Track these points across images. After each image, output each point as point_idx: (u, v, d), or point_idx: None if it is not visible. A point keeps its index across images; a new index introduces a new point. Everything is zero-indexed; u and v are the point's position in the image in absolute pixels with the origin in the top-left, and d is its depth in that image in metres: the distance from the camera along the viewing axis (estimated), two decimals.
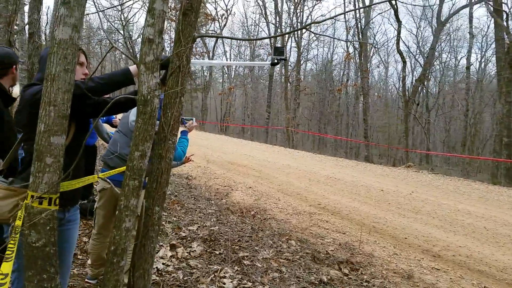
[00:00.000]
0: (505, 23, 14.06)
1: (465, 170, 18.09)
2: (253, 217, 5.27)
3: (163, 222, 4.37)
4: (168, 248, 3.63)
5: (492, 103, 23.84)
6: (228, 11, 25.67)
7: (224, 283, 3.03)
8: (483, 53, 27.59)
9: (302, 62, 28.68)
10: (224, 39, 31.31)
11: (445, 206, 6.85)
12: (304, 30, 24.94)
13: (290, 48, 26.89)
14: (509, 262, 4.29)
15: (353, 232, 5.01)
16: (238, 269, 3.37)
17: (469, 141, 22.86)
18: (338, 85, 29.26)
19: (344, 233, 4.96)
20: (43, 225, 1.46)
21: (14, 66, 2.21)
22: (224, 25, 27.80)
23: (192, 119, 3.03)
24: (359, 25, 22.33)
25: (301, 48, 26.54)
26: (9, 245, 1.34)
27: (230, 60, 31.79)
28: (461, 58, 30.21)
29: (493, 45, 19.77)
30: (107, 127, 4.02)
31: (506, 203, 7.59)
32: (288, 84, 25.26)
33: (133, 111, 2.66)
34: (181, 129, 2.88)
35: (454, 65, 30.28)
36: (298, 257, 3.86)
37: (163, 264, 3.27)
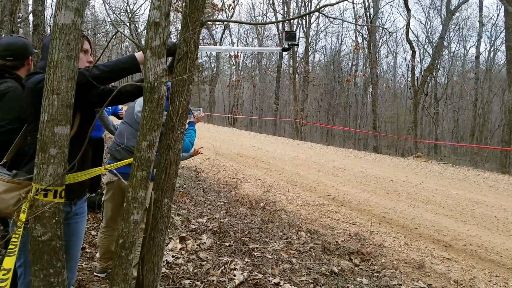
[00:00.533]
0: None
1: (473, 160, 17.83)
2: (262, 209, 5.23)
3: (172, 215, 4.35)
4: (178, 240, 3.60)
5: (501, 92, 23.40)
6: (235, 1, 25.39)
7: (235, 275, 2.99)
8: (492, 42, 26.98)
9: (310, 53, 28.37)
10: (231, 30, 31.09)
11: (455, 196, 6.77)
12: (313, 19, 24.64)
13: (298, 38, 26.55)
14: None
15: (363, 223, 4.94)
16: (249, 260, 3.33)
17: (478, 131, 22.50)
18: (346, 76, 28.91)
19: (354, 224, 4.90)
20: (48, 218, 1.41)
21: (30, 57, 2.13)
22: (231, 16, 27.56)
23: (199, 109, 2.96)
24: (368, 15, 21.98)
25: (309, 38, 26.21)
26: (12, 239, 1.29)
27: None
28: (470, 47, 29.74)
29: (503, 34, 19.27)
30: (113, 119, 3.98)
31: None
32: (297, 75, 25.00)
33: (139, 101, 2.60)
34: (188, 120, 2.82)
35: (463, 55, 29.73)
36: (308, 248, 3.82)
37: (172, 256, 3.25)
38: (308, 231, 4.37)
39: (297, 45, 2.52)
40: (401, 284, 3.17)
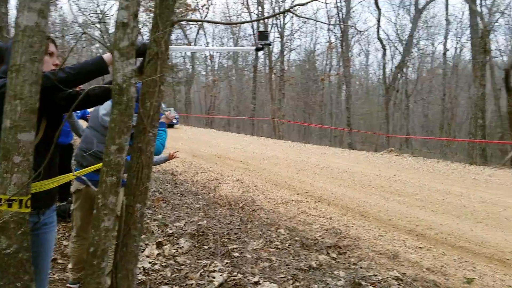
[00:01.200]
0: (479, 9, 14.37)
1: (443, 152, 18.60)
2: (241, 209, 5.23)
3: (148, 220, 4.26)
4: (155, 246, 3.53)
5: (467, 87, 24.55)
6: (209, 1, 25.20)
7: (214, 277, 2.97)
8: (458, 39, 28.24)
9: (285, 52, 28.63)
10: (206, 30, 30.81)
11: (426, 187, 6.99)
12: (287, 19, 24.84)
13: (274, 38, 26.75)
14: (487, 236, 4.41)
15: (339, 217, 5.03)
16: (228, 261, 3.32)
17: (446, 125, 23.50)
18: (321, 75, 29.38)
19: (331, 219, 4.98)
20: (13, 229, 1.34)
21: None
22: (205, 16, 27.35)
23: (170, 110, 2.91)
24: (340, 14, 22.46)
25: (284, 38, 26.44)
26: None
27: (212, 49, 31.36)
28: (438, 44, 30.97)
29: (468, 31, 20.21)
30: (83, 124, 3.85)
31: (482, 182, 7.84)
32: (273, 75, 25.15)
33: (104, 104, 2.52)
34: None
35: (431, 52, 30.91)
36: (287, 245, 3.85)
37: (149, 263, 3.18)
38: (287, 228, 4.41)
39: (270, 44, 2.55)
40: (376, 275, 3.25)
